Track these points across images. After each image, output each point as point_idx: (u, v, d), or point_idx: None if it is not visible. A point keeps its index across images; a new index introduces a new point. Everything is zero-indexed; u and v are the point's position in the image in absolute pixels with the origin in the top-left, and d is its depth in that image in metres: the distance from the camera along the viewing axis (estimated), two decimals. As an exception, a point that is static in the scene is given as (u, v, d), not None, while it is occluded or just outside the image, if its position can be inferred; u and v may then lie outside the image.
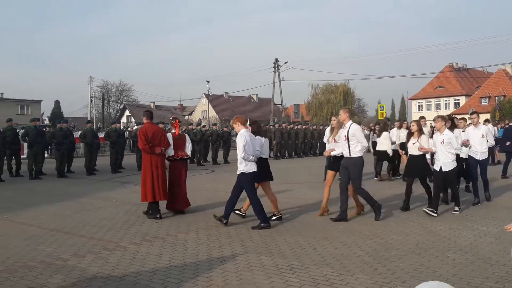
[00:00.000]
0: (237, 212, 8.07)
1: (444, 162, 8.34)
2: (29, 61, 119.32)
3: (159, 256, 5.86)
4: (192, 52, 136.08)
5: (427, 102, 70.53)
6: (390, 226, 7.46)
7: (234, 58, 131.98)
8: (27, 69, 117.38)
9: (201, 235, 6.98)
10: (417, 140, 8.67)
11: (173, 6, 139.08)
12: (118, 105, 78.01)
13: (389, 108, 76.91)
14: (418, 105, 71.33)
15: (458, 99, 66.91)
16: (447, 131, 8.42)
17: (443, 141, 8.32)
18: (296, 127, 25.95)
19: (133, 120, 61.50)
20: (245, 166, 7.45)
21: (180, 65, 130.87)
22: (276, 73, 50.01)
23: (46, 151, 11.25)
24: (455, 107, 65.20)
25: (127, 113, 73.70)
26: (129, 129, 31.37)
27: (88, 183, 11.36)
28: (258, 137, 7.96)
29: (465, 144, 9.28)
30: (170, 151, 8.71)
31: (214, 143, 21.67)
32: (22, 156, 16.02)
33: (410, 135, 9.01)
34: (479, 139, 9.57)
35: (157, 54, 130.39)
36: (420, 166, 8.72)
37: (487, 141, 9.66)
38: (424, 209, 8.31)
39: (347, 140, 7.83)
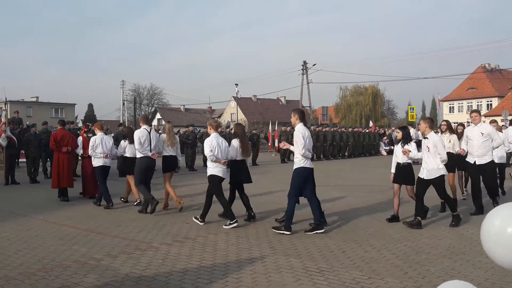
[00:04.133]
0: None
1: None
2: (63, 65, 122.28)
3: (189, 256, 5.95)
4: (222, 56, 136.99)
5: (459, 103, 69.14)
6: (421, 230, 7.37)
7: (262, 60, 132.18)
8: (62, 73, 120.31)
9: (230, 236, 7.05)
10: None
11: (205, 13, 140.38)
12: (150, 108, 79.21)
13: (419, 110, 75.79)
14: (450, 107, 70.00)
15: (491, 101, 65.38)
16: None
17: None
18: (324, 129, 25.84)
19: (163, 122, 62.34)
20: (213, 168, 7.84)
21: (210, 69, 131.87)
22: (305, 75, 49.95)
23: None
24: (487, 109, 63.73)
25: (158, 116, 74.63)
26: (159, 131, 31.75)
27: (120, 184, 11.58)
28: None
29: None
30: (79, 151, 11.03)
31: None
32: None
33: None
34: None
35: (189, 59, 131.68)
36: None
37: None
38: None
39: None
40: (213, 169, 7.83)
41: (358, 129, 30.19)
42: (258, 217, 8.48)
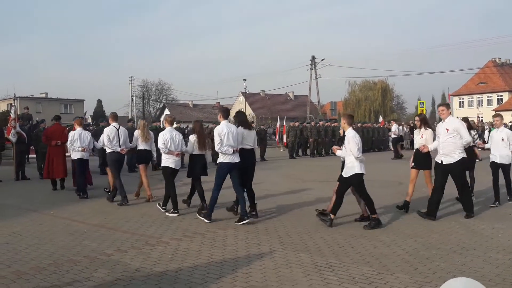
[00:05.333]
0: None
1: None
2: (72, 62, 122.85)
3: (199, 252, 5.97)
4: (229, 51, 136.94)
5: (469, 98, 68.58)
6: (431, 225, 7.34)
7: (271, 55, 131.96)
8: (71, 69, 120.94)
9: (239, 232, 7.06)
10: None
11: (212, 8, 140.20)
12: (158, 104, 79.37)
13: (429, 104, 75.35)
14: (460, 102, 69.48)
15: (501, 95, 64.78)
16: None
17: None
18: (333, 124, 25.76)
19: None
20: (166, 159, 8.65)
21: (218, 64, 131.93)
22: (313, 71, 49.77)
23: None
24: (498, 104, 63.22)
25: (166, 111, 74.77)
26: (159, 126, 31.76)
27: (129, 180, 11.63)
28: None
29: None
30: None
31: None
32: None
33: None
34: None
35: (197, 54, 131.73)
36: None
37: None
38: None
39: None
40: (166, 160, 8.64)
41: (367, 124, 30.05)
42: (268, 213, 8.49)
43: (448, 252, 5.85)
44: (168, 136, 8.64)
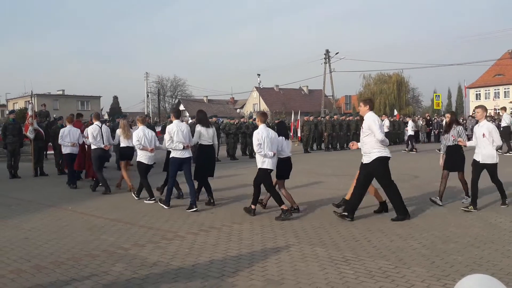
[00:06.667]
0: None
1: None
2: (89, 58, 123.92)
3: (215, 246, 6.01)
4: (244, 46, 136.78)
5: (486, 90, 67.60)
6: (448, 219, 7.28)
7: (284, 50, 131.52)
8: (87, 66, 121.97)
9: (255, 226, 7.09)
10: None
11: (227, 3, 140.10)
12: (173, 99, 79.71)
13: (445, 97, 74.42)
14: (476, 94, 68.54)
15: (518, 87, 63.76)
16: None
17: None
18: (348, 118, 25.62)
19: (187, 114, 62.67)
20: (140, 155, 9.50)
21: (232, 59, 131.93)
22: (327, 64, 49.51)
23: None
24: (515, 96, 62.25)
25: (181, 107, 75.08)
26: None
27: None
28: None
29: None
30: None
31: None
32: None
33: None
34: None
35: (210, 49, 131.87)
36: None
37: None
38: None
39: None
40: (140, 156, 9.47)
41: (382, 116, 29.79)
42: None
43: (465, 245, 5.80)
44: (141, 134, 9.44)
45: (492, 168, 7.86)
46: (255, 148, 7.80)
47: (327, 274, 4.83)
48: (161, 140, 10.73)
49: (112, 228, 7.17)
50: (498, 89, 66.03)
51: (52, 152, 15.66)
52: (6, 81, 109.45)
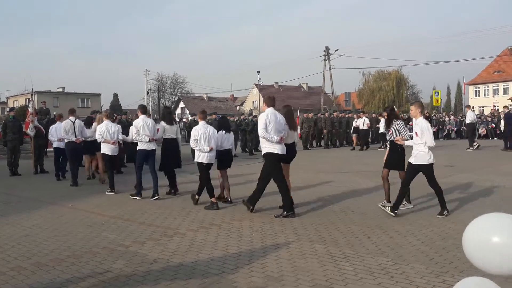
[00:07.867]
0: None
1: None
2: (89, 56, 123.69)
3: (215, 242, 6.03)
4: (243, 43, 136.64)
5: (485, 87, 67.63)
6: (448, 216, 7.30)
7: (284, 47, 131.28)
8: (87, 63, 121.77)
9: (255, 223, 7.11)
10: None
11: (226, 0, 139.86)
12: (173, 97, 79.69)
13: (444, 94, 74.29)
14: (475, 91, 68.61)
15: (518, 84, 63.76)
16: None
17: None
18: (347, 115, 25.63)
19: (187, 111, 62.65)
20: (103, 148, 10.29)
21: (231, 56, 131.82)
22: (327, 61, 49.49)
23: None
24: (515, 92, 62.24)
25: (181, 104, 74.99)
26: (183, 120, 31.91)
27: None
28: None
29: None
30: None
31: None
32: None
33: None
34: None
35: (210, 46, 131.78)
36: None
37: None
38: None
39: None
40: (103, 148, 10.28)
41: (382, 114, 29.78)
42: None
43: (464, 242, 5.81)
44: (104, 129, 10.23)
45: (426, 170, 7.19)
46: (191, 143, 8.54)
47: (327, 271, 4.85)
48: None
49: (112, 225, 7.19)
50: (497, 86, 66.06)
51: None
52: (7, 79, 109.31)
